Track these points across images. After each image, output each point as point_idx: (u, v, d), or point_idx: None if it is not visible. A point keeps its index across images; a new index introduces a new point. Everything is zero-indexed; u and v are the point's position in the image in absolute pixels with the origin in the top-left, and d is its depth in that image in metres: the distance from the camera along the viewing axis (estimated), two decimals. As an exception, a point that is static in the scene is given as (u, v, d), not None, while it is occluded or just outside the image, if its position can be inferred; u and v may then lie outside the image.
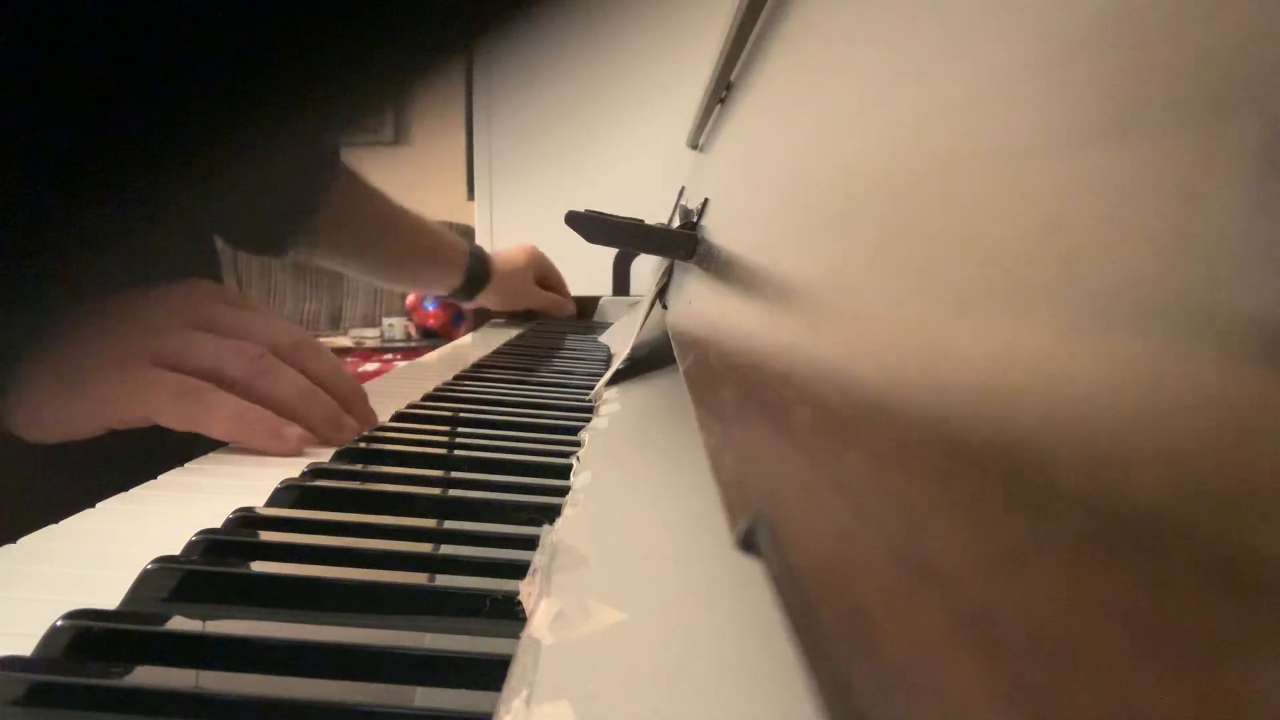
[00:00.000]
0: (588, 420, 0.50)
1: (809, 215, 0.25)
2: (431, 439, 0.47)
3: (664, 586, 0.26)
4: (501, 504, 0.34)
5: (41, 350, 0.41)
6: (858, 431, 0.15)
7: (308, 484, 0.36)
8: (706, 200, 0.55)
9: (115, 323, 0.43)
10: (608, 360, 0.74)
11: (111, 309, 0.44)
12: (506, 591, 0.25)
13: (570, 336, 0.96)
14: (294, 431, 0.43)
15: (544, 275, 1.07)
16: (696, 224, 0.54)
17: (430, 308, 2.13)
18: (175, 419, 0.42)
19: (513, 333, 0.98)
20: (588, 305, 1.24)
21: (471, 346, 0.88)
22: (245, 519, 0.32)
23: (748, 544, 0.17)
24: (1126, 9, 0.11)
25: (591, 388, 0.60)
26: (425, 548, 0.31)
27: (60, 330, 0.42)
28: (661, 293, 0.62)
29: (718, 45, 0.64)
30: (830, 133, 0.26)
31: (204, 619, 0.25)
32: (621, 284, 1.26)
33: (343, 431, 0.45)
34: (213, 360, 0.43)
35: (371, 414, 0.49)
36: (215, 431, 0.42)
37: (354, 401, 0.48)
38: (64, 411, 0.42)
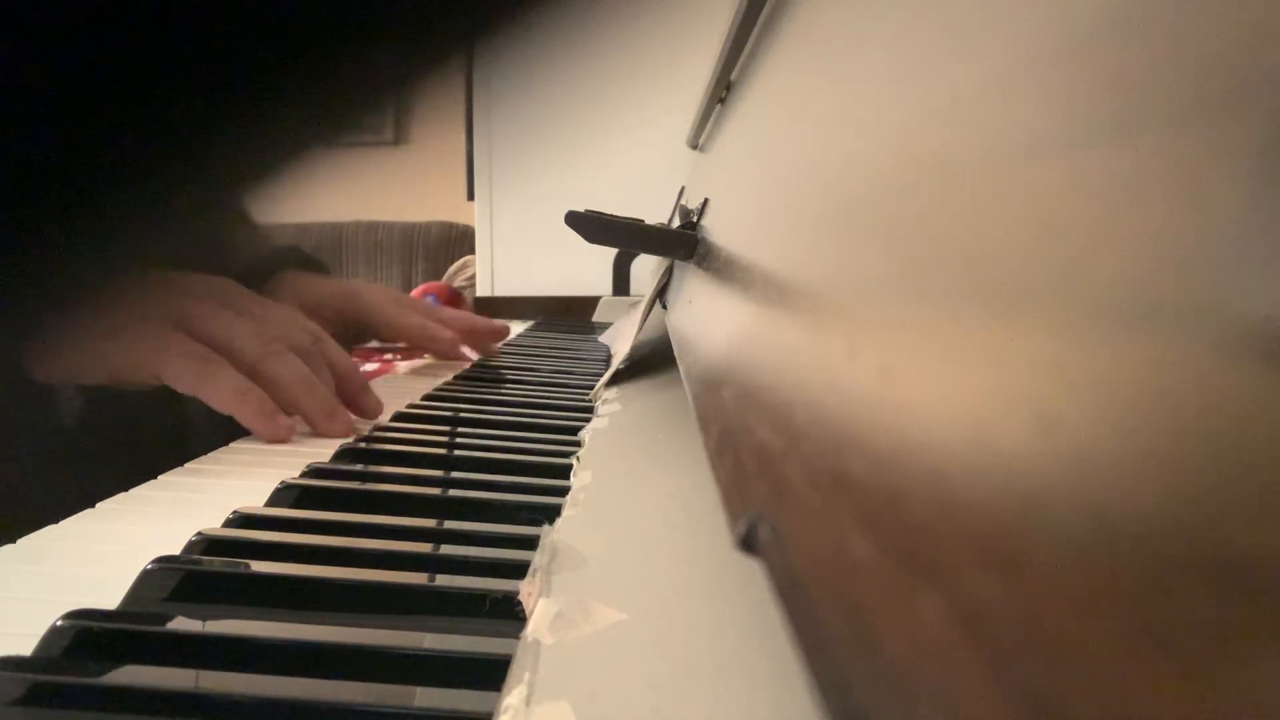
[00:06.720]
0: (588, 420, 0.50)
1: (809, 215, 0.25)
2: (431, 439, 0.47)
3: (664, 586, 0.26)
4: (501, 504, 0.34)
5: (74, 303, 0.43)
6: (858, 431, 0.15)
7: (307, 484, 0.36)
8: (706, 200, 0.55)
9: (148, 286, 0.45)
10: (608, 360, 0.74)
11: (149, 279, 0.46)
12: (506, 591, 0.25)
13: (570, 336, 0.96)
14: (286, 420, 0.44)
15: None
16: (696, 224, 0.54)
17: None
18: (181, 380, 0.43)
19: (514, 333, 0.98)
20: (588, 305, 1.24)
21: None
22: (245, 519, 0.32)
23: (748, 544, 0.17)
24: (1126, 9, 0.11)
25: (591, 388, 0.60)
26: (425, 548, 0.31)
27: (96, 286, 0.44)
28: (661, 293, 0.62)
29: (718, 45, 0.64)
30: (830, 132, 0.26)
31: (204, 619, 0.25)
32: (621, 284, 1.26)
33: (334, 421, 0.47)
34: (228, 334, 0.45)
35: (376, 407, 0.51)
36: (214, 400, 0.43)
37: (358, 397, 0.50)
38: (80, 354, 0.44)
